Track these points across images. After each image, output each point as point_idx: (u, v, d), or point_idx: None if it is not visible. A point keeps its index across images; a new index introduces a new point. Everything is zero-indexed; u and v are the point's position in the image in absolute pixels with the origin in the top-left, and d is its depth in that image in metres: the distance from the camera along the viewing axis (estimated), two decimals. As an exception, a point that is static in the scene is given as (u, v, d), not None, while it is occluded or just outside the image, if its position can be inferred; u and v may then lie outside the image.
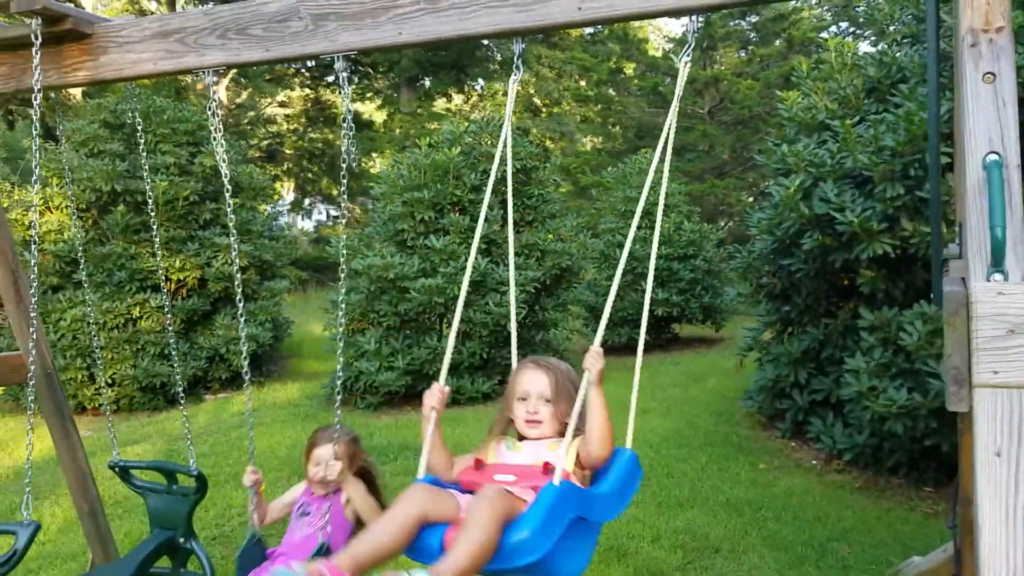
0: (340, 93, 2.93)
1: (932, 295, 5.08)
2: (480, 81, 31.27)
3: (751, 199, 18.48)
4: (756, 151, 17.04)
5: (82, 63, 3.22)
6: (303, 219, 36.81)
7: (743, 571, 4.57)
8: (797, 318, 7.13)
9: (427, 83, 29.94)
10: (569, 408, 2.53)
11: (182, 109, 11.21)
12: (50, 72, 3.23)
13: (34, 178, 3.17)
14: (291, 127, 32.78)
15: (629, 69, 21.92)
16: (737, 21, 20.33)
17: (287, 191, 33.61)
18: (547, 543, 2.22)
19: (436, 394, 2.63)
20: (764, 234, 6.83)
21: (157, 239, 3.91)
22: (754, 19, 20.59)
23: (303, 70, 31.03)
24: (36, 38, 3.07)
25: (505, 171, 8.97)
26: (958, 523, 4.09)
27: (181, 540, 3.99)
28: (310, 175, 33.36)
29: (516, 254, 9.67)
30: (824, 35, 20.04)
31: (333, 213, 36.19)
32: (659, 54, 22.57)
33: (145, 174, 4.00)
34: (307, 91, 32.43)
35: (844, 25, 23.27)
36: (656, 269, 11.91)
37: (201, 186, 10.51)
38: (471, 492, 2.48)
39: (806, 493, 5.90)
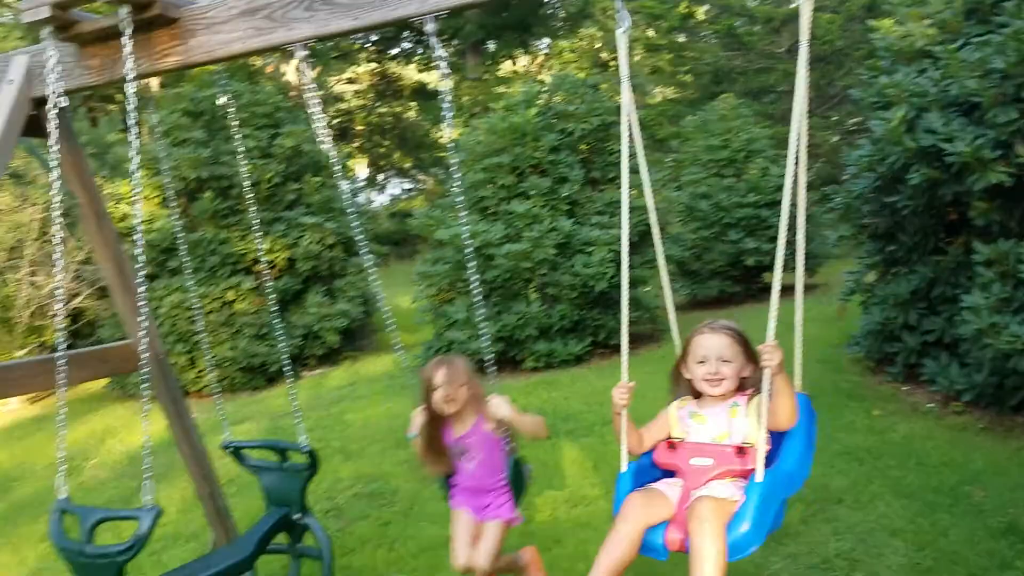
0: (434, 58, 2.83)
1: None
2: (546, 40, 30.87)
3: (837, 138, 17.80)
4: (843, 87, 16.39)
5: (172, 48, 3.21)
6: (378, 194, 37.13)
7: (871, 520, 4.41)
8: (904, 257, 6.81)
9: (492, 47, 29.70)
10: (744, 364, 2.81)
11: (258, 92, 11.32)
12: (142, 60, 3.23)
13: (133, 167, 3.17)
14: (360, 103, 32.98)
15: (700, 13, 21.27)
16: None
17: (360, 167, 33.92)
18: (762, 534, 2.47)
19: (623, 391, 2.83)
20: (865, 172, 6.52)
21: (257, 222, 3.94)
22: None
23: (368, 44, 31.13)
24: (127, 26, 3.06)
25: (583, 128, 8.77)
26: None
27: (296, 516, 4.05)
28: (382, 149, 33.58)
29: (599, 212, 9.51)
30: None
31: (406, 186, 36.42)
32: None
33: (240, 157, 4.01)
34: (373, 65, 32.54)
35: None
36: (744, 217, 11.73)
37: (283, 167, 10.63)
38: (669, 472, 2.82)
39: (927, 438, 5.66)
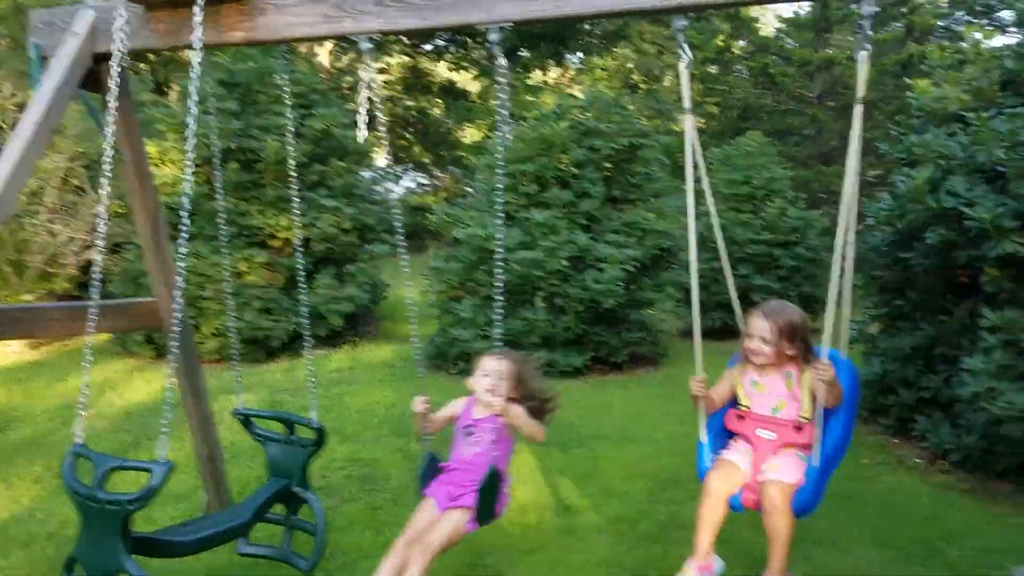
0: (495, 64, 2.95)
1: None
2: (579, 55, 30.99)
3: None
4: (869, 139, 16.52)
5: (239, 23, 3.33)
6: (395, 186, 37.17)
7: (847, 564, 4.51)
8: (910, 313, 6.92)
9: (525, 55, 29.81)
10: (789, 345, 3.36)
11: (294, 71, 11.45)
12: (208, 31, 3.34)
13: (188, 132, 3.29)
14: (387, 94, 33.10)
15: (737, 48, 21.42)
16: (854, 3, 19.65)
17: (381, 157, 34.00)
18: (821, 497, 3.19)
19: (699, 383, 3.39)
20: (883, 225, 6.64)
21: (295, 200, 4.04)
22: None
23: (402, 37, 31.23)
24: (200, -3, 3.18)
25: (611, 147, 8.85)
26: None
27: (296, 489, 4.15)
28: (403, 142, 33.69)
29: (615, 231, 9.62)
30: (955, 24, 19.17)
31: (423, 181, 36.52)
32: (771, 33, 21.96)
33: (289, 135, 4.12)
34: (406, 58, 32.68)
35: (959, 14, 22.21)
36: (756, 254, 11.83)
37: (311, 148, 10.75)
38: (737, 435, 3.43)
39: (910, 492, 5.77)
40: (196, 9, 3.21)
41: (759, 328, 3.39)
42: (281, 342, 10.26)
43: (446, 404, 3.88)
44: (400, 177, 31.84)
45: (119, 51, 3.47)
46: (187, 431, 4.77)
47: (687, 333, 12.80)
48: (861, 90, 2.61)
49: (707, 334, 11.96)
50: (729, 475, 3.26)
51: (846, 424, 3.24)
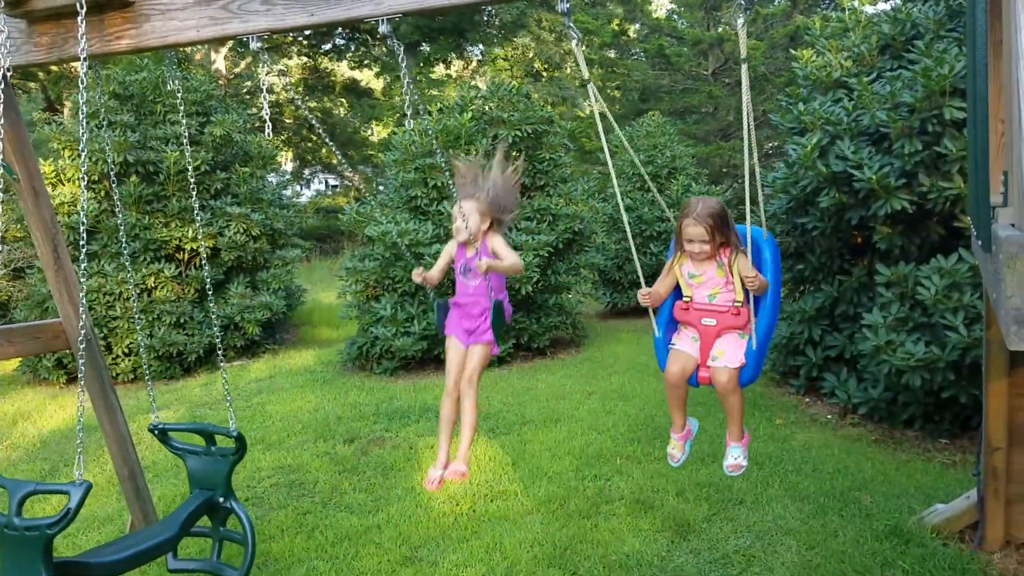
0: (398, 60, 2.98)
1: (971, 245, 5.16)
2: (480, 47, 31.03)
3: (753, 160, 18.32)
4: (762, 111, 17.00)
5: (124, 31, 3.26)
6: (303, 189, 36.69)
7: (768, 521, 4.70)
8: (811, 276, 7.21)
9: (426, 49, 29.71)
10: (722, 237, 3.53)
11: (189, 79, 11.20)
12: (93, 41, 3.28)
13: (81, 147, 3.21)
14: (289, 96, 32.56)
15: (632, 31, 21.76)
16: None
17: (286, 161, 33.47)
18: (760, 370, 3.54)
19: (644, 296, 3.63)
20: (780, 193, 6.89)
21: (197, 205, 3.97)
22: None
23: (300, 38, 30.76)
24: (81, 7, 3.10)
25: (516, 135, 9.02)
26: (982, 471, 4.22)
27: (221, 500, 4.09)
28: (309, 144, 33.22)
29: (528, 218, 9.71)
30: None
31: (332, 182, 36.13)
32: (663, 15, 22.37)
33: (185, 143, 4.05)
34: (305, 59, 32.19)
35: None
36: (665, 231, 12.11)
37: (211, 156, 10.54)
38: (684, 323, 3.69)
39: (823, 447, 6.03)
40: (80, 19, 3.14)
41: (697, 234, 3.59)
42: (197, 356, 10.05)
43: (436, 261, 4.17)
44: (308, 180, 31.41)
45: (1, 67, 3.36)
46: (106, 454, 4.65)
47: (605, 315, 13.04)
48: (743, 51, 2.87)
49: (623, 313, 12.23)
50: (683, 363, 3.62)
51: (773, 300, 3.55)
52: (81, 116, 3.05)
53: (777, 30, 17.67)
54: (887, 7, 7.16)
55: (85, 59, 3.14)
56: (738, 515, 4.82)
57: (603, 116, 3.46)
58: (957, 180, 5.48)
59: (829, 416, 6.76)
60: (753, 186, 3.32)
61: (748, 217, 3.51)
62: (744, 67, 2.89)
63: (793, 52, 7.52)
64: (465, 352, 4.06)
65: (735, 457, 3.75)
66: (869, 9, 8.18)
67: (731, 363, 3.56)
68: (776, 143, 16.78)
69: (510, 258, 3.96)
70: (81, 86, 3.10)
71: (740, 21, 2.91)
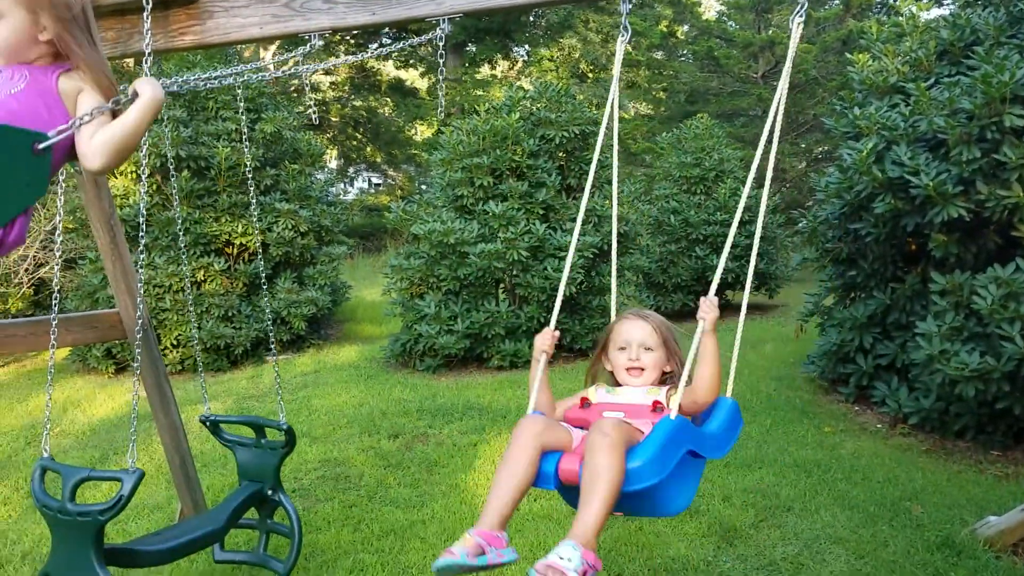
0: (439, 58, 2.95)
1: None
2: (526, 47, 31.07)
3: (803, 164, 18.25)
4: (812, 115, 16.84)
5: (189, 27, 3.31)
6: (348, 187, 37.02)
7: (816, 529, 4.64)
8: (863, 283, 7.10)
9: (472, 49, 29.84)
10: (668, 356, 2.70)
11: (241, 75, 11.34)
12: (158, 36, 3.32)
13: (143, 139, 3.27)
14: (336, 95, 32.88)
15: (680, 33, 21.64)
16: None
17: (331, 159, 33.80)
18: (662, 472, 2.27)
19: (547, 337, 2.71)
20: (832, 198, 6.79)
21: (254, 201, 4.03)
22: (808, -19, 20.17)
23: (348, 37, 31.05)
24: (147, 3, 3.16)
25: (563, 136, 9.04)
26: (1039, 483, 4.12)
27: (269, 492, 4.15)
28: (354, 143, 33.51)
29: (573, 219, 9.70)
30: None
31: (376, 181, 36.37)
32: (712, 17, 22.20)
33: (245, 140, 4.10)
34: (352, 58, 32.45)
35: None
36: (711, 236, 12.03)
37: (262, 152, 10.68)
38: (579, 426, 2.58)
39: (873, 455, 5.93)
40: (145, 15, 3.19)
41: (637, 334, 2.74)
42: (244, 349, 10.19)
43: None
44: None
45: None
46: (156, 443, 4.71)
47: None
48: (792, 50, 2.67)
49: (667, 316, 12.22)
50: (550, 427, 2.48)
51: (725, 429, 2.59)
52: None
53: (829, 34, 17.46)
54: (944, 12, 7.02)
55: (149, 54, 3.19)
56: (786, 522, 4.76)
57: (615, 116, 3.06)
58: (1016, 189, 5.36)
59: (879, 425, 6.66)
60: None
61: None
62: (787, 66, 2.66)
63: (849, 56, 7.42)
64: None
65: (560, 556, 2.08)
66: (925, 15, 8.06)
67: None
68: (827, 147, 16.59)
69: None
70: (146, 80, 3.15)
71: (796, 22, 2.62)
